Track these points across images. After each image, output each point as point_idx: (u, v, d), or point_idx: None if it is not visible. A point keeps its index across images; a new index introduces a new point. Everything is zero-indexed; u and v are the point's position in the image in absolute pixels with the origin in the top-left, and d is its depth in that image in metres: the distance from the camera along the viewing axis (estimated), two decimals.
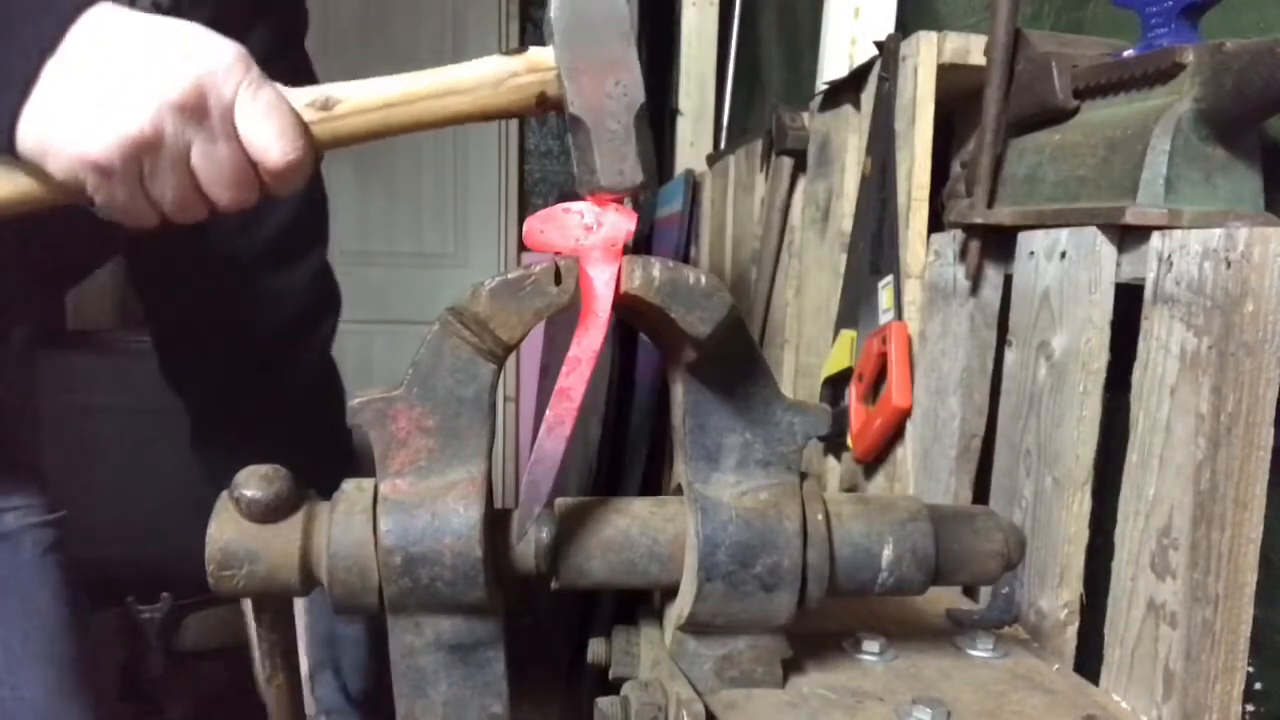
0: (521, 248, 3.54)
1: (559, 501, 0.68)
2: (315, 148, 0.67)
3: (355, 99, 0.67)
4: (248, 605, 1.14)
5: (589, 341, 0.63)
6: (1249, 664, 0.65)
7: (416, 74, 0.68)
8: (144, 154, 0.62)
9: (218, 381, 1.12)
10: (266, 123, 0.64)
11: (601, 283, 0.62)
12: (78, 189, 0.63)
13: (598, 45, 0.65)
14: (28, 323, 1.05)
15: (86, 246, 1.03)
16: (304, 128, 0.66)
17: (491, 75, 0.68)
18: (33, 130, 0.61)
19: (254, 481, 0.62)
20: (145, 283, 1.12)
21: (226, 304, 1.08)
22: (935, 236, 1.04)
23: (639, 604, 0.77)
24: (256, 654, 0.82)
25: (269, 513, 0.62)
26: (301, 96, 0.66)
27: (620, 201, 0.65)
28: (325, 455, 1.07)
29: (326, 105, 0.66)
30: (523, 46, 0.68)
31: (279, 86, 0.65)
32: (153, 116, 0.61)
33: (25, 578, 1.04)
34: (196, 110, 0.62)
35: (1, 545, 1.03)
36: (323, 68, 1.06)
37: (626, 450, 2.42)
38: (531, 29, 3.72)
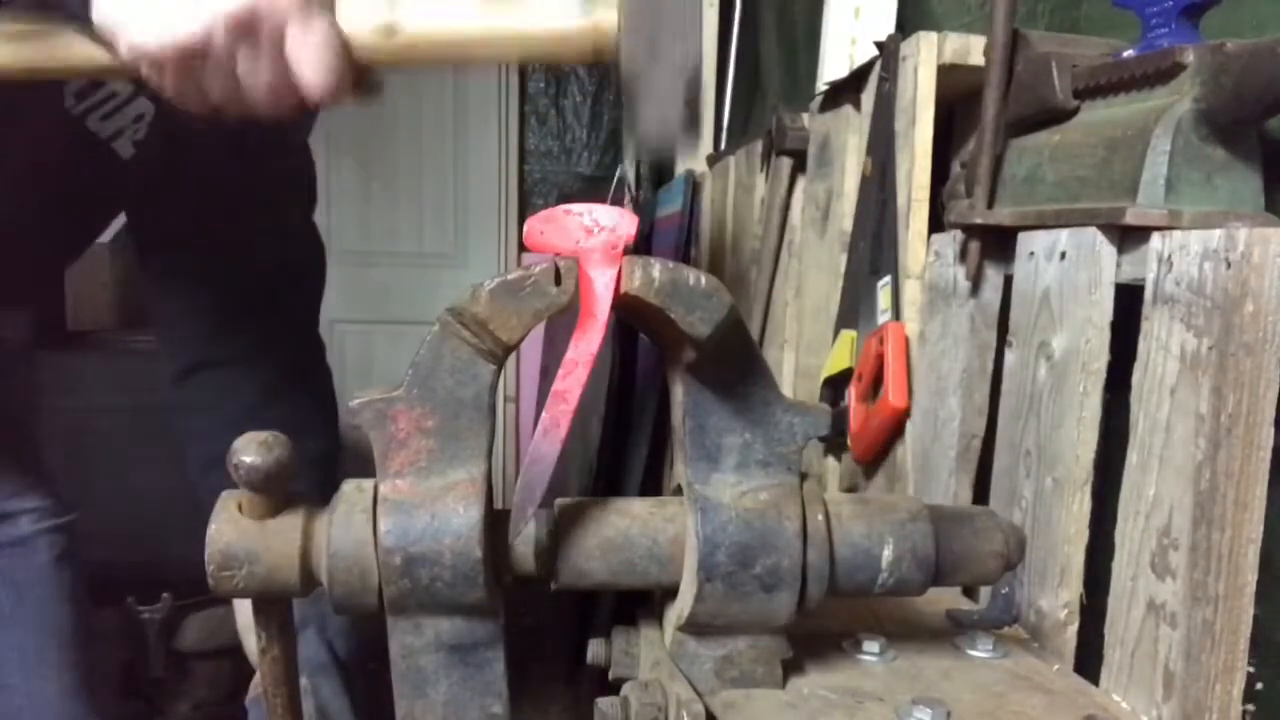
0: (521, 248, 3.53)
1: (559, 502, 0.68)
2: (374, 66, 0.70)
3: (418, 29, 0.69)
4: (238, 607, 1.14)
5: (586, 344, 0.63)
6: (1249, 664, 0.65)
7: (485, 6, 0.69)
8: (193, 58, 0.65)
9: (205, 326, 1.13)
10: (314, 54, 0.66)
11: (601, 284, 0.62)
12: (136, 71, 0.68)
13: (663, 7, 0.67)
14: (30, 303, 1.04)
15: (83, 210, 1.02)
16: (349, 60, 0.68)
17: (558, 28, 0.69)
18: (105, 6, 0.66)
19: (252, 448, 0.60)
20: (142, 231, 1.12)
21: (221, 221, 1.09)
22: (935, 237, 1.04)
23: (639, 604, 0.77)
24: (254, 656, 0.82)
25: (268, 481, 0.61)
26: (364, 20, 0.68)
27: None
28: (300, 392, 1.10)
29: (390, 33, 0.68)
30: None
31: (338, 12, 0.68)
32: (206, 25, 0.64)
33: (40, 584, 1.04)
34: (248, 27, 0.65)
35: (17, 550, 1.03)
36: None
37: (626, 450, 2.42)
38: None
